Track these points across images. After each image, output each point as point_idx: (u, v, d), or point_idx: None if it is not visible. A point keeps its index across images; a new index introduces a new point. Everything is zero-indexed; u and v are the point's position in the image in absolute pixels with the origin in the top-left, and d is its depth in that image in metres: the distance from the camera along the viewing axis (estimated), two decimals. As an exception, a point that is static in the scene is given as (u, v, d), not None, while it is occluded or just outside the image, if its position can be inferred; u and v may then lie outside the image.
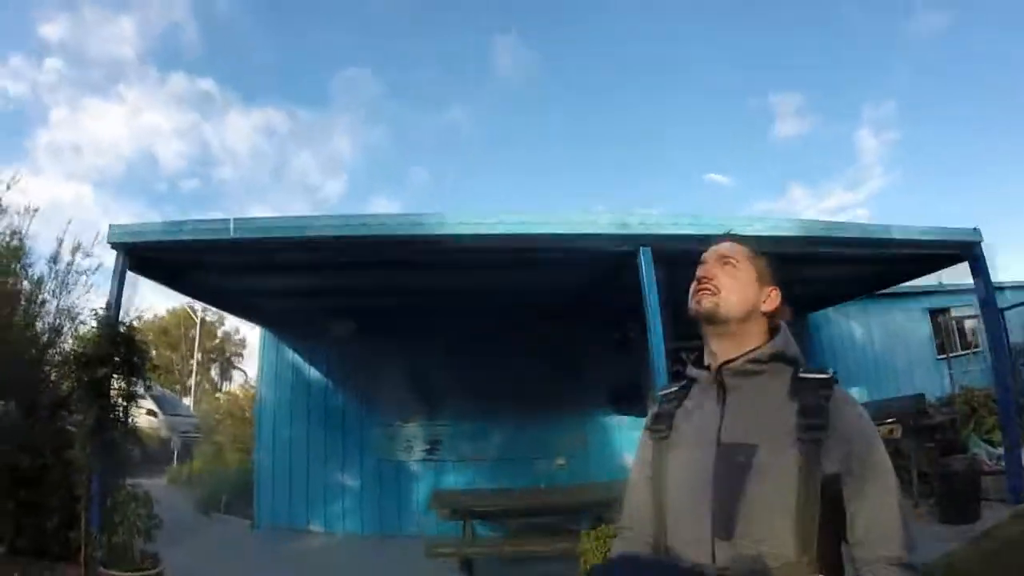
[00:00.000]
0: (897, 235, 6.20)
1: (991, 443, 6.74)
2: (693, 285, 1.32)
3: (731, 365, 1.25)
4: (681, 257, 5.15)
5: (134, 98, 56.08)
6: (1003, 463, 6.25)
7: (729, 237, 1.39)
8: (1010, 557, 4.59)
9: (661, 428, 1.34)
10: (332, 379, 8.14)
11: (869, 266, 7.69)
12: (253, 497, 8.10)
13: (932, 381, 11.13)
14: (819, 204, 65.64)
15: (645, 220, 4.96)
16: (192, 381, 31.62)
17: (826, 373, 1.22)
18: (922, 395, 8.78)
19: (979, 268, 6.72)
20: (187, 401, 25.00)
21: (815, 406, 1.15)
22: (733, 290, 1.28)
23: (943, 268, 7.94)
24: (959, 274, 8.26)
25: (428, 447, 8.04)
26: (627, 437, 8.22)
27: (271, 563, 6.24)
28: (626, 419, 8.38)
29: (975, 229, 6.71)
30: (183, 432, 14.47)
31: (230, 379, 33.90)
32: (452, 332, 8.00)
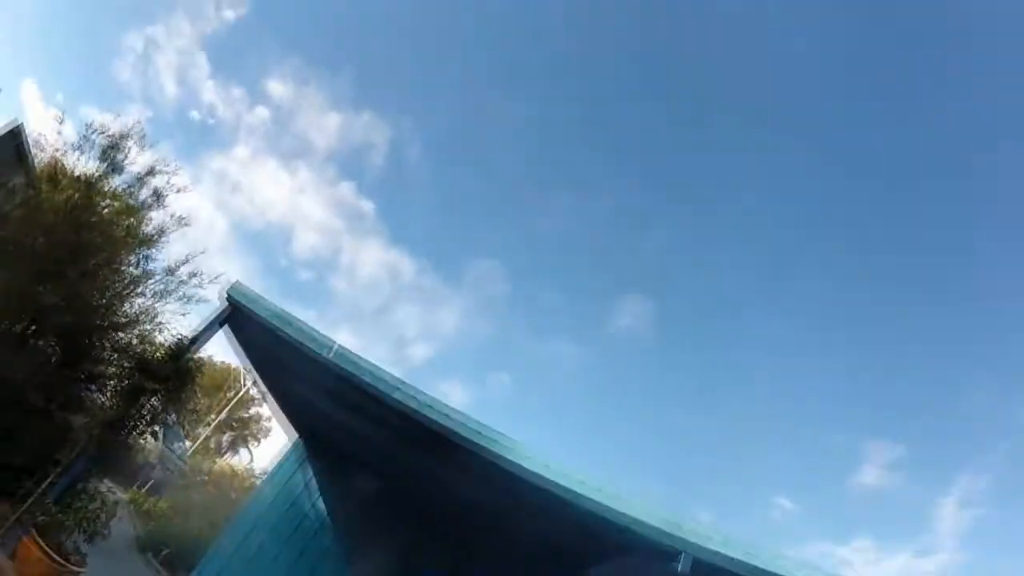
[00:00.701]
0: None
1: None
2: None
3: None
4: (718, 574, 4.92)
5: (304, 180, 62.71)
6: None
7: None
8: None
9: None
10: (330, 519, 8.01)
11: None
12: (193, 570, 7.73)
13: None
14: (882, 560, 58.62)
15: (699, 530, 4.83)
16: (202, 433, 31.54)
17: None
18: None
19: None
20: (187, 445, 24.84)
21: None
22: None
23: None
24: None
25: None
26: None
27: None
28: None
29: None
30: (167, 468, 14.42)
31: (236, 452, 33.47)
32: (462, 556, 7.75)
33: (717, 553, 4.91)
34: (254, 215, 60.85)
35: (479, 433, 4.72)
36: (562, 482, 4.69)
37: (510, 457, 4.67)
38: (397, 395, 4.78)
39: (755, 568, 4.99)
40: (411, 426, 5.03)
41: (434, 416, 4.75)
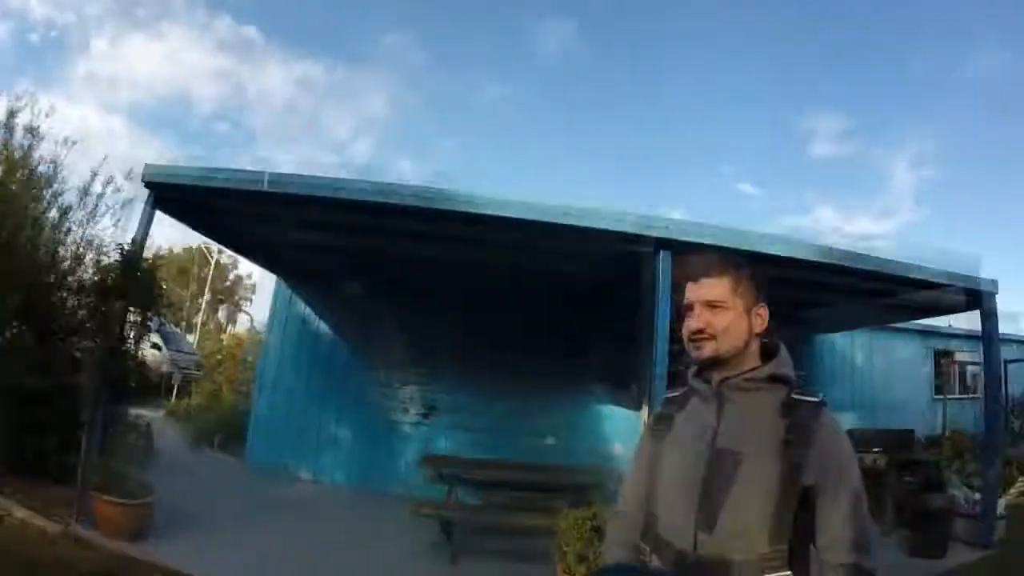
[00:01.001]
0: (914, 275, 6.21)
1: (970, 487, 6.86)
2: (687, 333, 1.44)
3: (730, 382, 1.40)
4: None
5: (177, 37, 56.13)
6: (978, 507, 6.39)
7: (706, 262, 1.48)
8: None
9: (661, 428, 1.51)
10: (338, 334, 8.36)
11: (882, 299, 7.76)
12: (246, 438, 8.37)
13: (925, 419, 11.22)
14: (844, 227, 65.38)
15: (669, 225, 5.02)
16: (199, 320, 32.02)
17: (817, 397, 1.36)
18: (911, 431, 8.88)
19: (989, 317, 6.85)
20: (191, 339, 25.35)
21: (803, 425, 1.30)
22: (728, 332, 1.40)
23: (955, 313, 8.01)
24: (969, 319, 8.35)
25: (423, 411, 8.25)
26: (616, 426, 8.52)
27: (258, 505, 6.37)
28: (617, 409, 8.62)
29: (993, 281, 6.77)
30: (184, 368, 14.71)
31: (235, 322, 34.34)
32: (462, 304, 8.22)
33: (691, 242, 5.14)
34: (145, 97, 54.81)
35: (431, 197, 4.75)
36: (532, 213, 4.82)
37: (473, 210, 4.72)
38: (341, 195, 4.69)
39: (731, 247, 5.22)
40: (368, 216, 5.02)
41: (390, 198, 4.74)
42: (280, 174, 4.78)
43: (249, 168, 5.02)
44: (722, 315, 1.40)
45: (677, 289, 1.51)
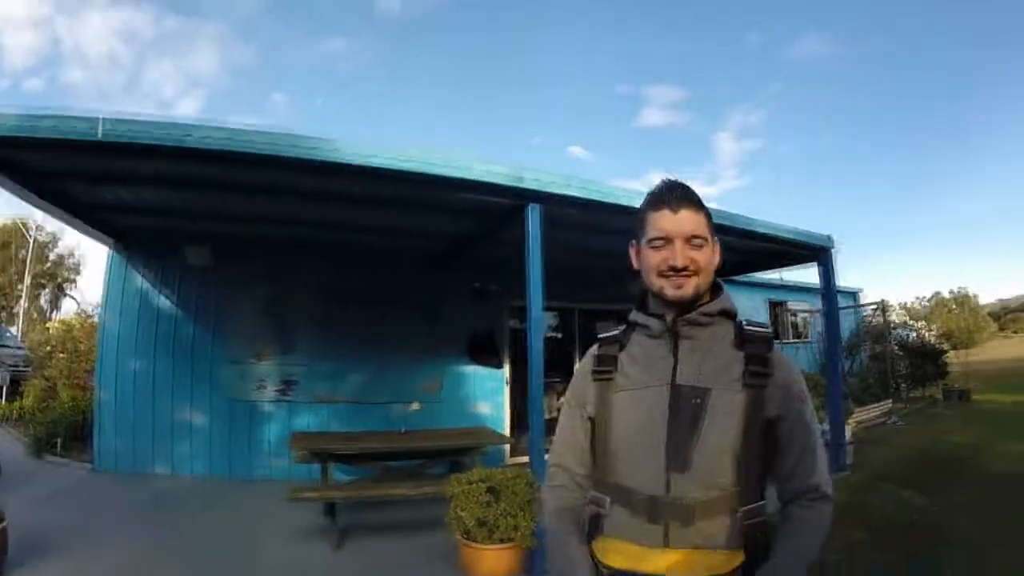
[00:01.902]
0: (760, 229, 6.66)
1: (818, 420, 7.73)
2: (662, 268, 1.33)
3: (687, 316, 1.33)
4: (562, 219, 5.31)
5: None
6: (828, 436, 7.10)
7: (685, 193, 1.37)
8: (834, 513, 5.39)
9: (607, 370, 1.39)
10: (184, 309, 7.54)
11: (727, 254, 8.27)
12: (92, 437, 7.40)
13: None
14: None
15: (540, 177, 4.91)
16: (20, 308, 28.24)
17: (767, 329, 1.36)
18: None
19: (827, 270, 7.67)
20: (14, 331, 22.29)
21: (761, 356, 1.30)
22: (706, 269, 1.34)
23: (795, 266, 8.78)
24: (796, 273, 9.28)
25: (281, 387, 7.69)
26: (480, 386, 8.65)
27: (115, 510, 5.72)
28: (480, 368, 8.68)
29: (829, 236, 7.50)
30: (11, 366, 13.02)
31: (59, 308, 30.62)
32: (316, 268, 7.79)
33: (561, 194, 5.11)
34: None
35: (291, 145, 4.26)
36: (398, 163, 4.48)
37: (338, 159, 4.31)
38: (190, 140, 4.05)
39: (598, 201, 5.33)
40: (220, 166, 4.47)
41: (242, 146, 4.16)
42: (118, 120, 4.02)
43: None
44: (702, 251, 1.33)
45: (639, 221, 1.40)
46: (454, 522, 4.16)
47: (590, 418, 1.41)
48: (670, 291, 1.32)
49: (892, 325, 15.69)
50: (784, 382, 1.30)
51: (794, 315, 15.63)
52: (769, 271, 10.25)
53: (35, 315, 29.14)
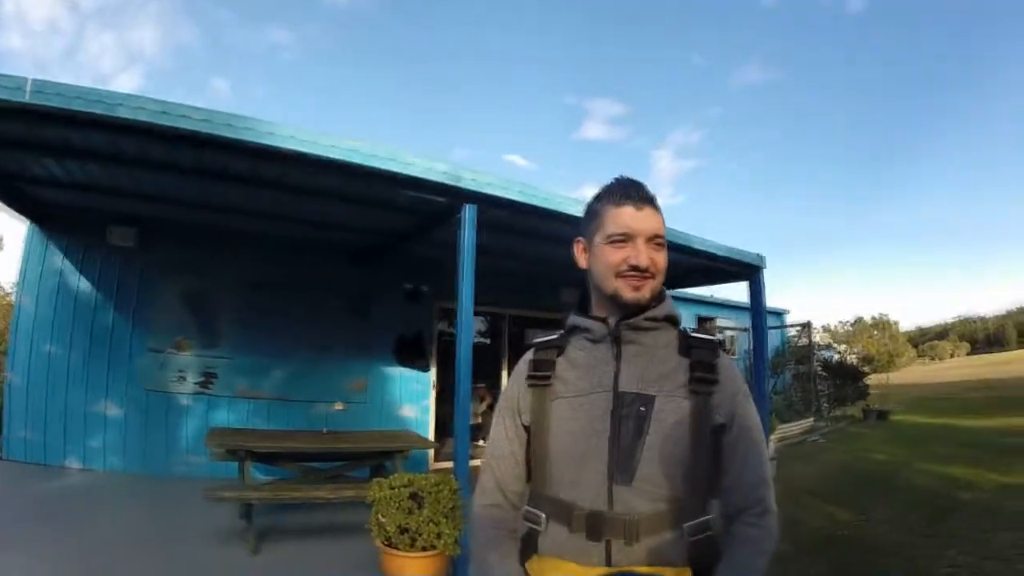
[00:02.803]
0: (696, 245, 6.79)
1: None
2: (621, 267, 1.25)
3: (631, 321, 1.26)
4: (497, 222, 5.28)
5: None
6: None
7: (645, 190, 1.30)
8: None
9: (544, 375, 1.31)
10: (104, 293, 7.15)
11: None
12: (1, 426, 6.91)
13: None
14: None
15: (477, 177, 4.88)
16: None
17: (713, 335, 1.31)
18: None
19: (757, 289, 7.86)
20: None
21: (707, 363, 1.24)
22: (663, 271, 1.29)
23: (725, 283, 9.04)
24: (724, 290, 9.54)
25: (202, 379, 7.40)
26: (406, 388, 8.56)
27: (20, 506, 5.34)
28: (406, 370, 8.61)
29: (760, 255, 7.70)
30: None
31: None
32: (244, 257, 7.58)
33: (499, 197, 5.09)
34: None
35: (226, 124, 4.07)
36: (337, 152, 4.35)
37: (273, 142, 4.16)
38: (121, 111, 3.82)
39: (535, 206, 5.32)
40: (151, 141, 4.24)
41: (176, 121, 3.93)
42: (46, 81, 3.76)
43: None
44: (662, 253, 1.28)
45: (595, 216, 1.32)
46: (375, 528, 4.03)
47: (525, 427, 1.33)
48: (628, 293, 1.25)
49: (816, 346, 16.40)
50: (732, 389, 1.25)
51: (722, 332, 16.13)
52: (699, 287, 10.51)
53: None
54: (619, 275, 1.25)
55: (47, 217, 7.01)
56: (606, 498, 1.17)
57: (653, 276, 1.26)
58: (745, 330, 14.13)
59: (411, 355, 8.61)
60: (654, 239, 1.27)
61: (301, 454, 5.66)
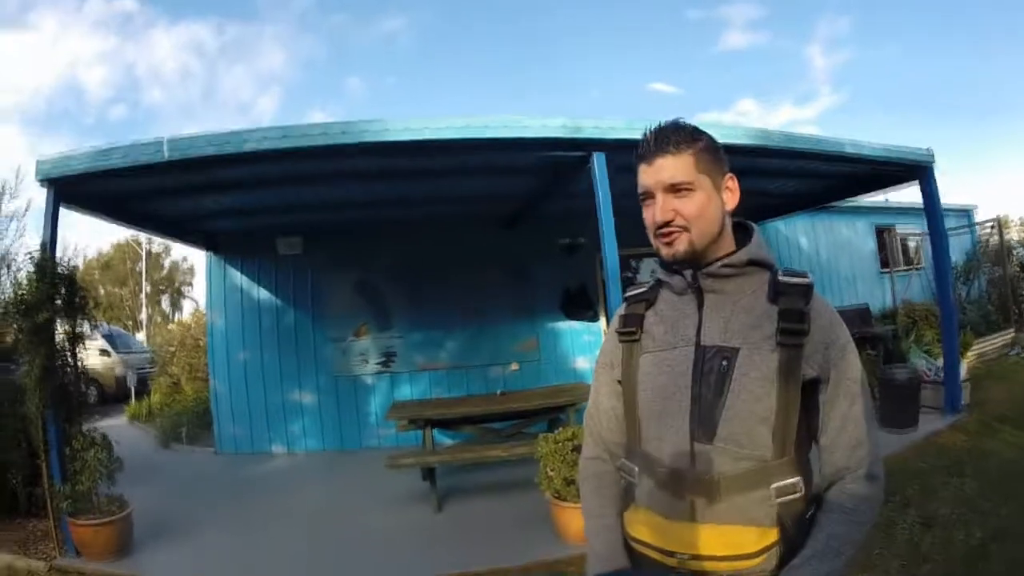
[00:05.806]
0: (849, 150, 6.14)
1: (929, 355, 7.03)
2: (651, 227, 1.21)
3: (708, 269, 1.20)
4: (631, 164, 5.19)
5: (50, 27, 51.83)
6: (942, 375, 6.54)
7: (658, 138, 1.21)
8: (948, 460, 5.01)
9: (631, 331, 1.29)
10: (281, 298, 8.01)
11: (820, 180, 7.76)
12: (213, 424, 8.08)
13: (875, 294, 11.59)
14: (768, 118, 66.89)
15: (599, 125, 4.78)
16: (143, 315, 30.93)
17: (805, 278, 1.17)
18: (866, 305, 9.11)
19: (929, 190, 6.82)
20: (140, 336, 24.42)
21: (796, 311, 1.13)
22: (701, 218, 1.17)
23: (893, 187, 8.06)
24: (905, 194, 8.47)
25: (382, 360, 8.05)
26: (577, 341, 8.59)
27: (233, 490, 6.20)
28: (575, 323, 8.66)
29: (928, 150, 6.75)
30: (139, 368, 14.12)
31: (181, 309, 33.32)
32: (398, 242, 8.01)
33: (627, 139, 4.93)
34: (32, 99, 50.73)
35: (341, 132, 4.39)
36: (450, 132, 4.52)
37: (387, 138, 4.42)
38: (247, 146, 4.30)
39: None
40: (281, 164, 4.69)
41: (299, 140, 4.35)
42: (178, 138, 4.34)
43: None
44: (690, 199, 1.16)
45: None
46: (544, 482, 4.19)
47: (618, 381, 1.31)
48: (663, 251, 1.20)
49: (1012, 244, 14.20)
50: (823, 338, 1.13)
51: (904, 240, 14.48)
52: (869, 194, 9.48)
53: (159, 319, 31.77)
54: (656, 235, 1.21)
55: (218, 244, 7.96)
56: (688, 456, 1.14)
57: (685, 228, 1.17)
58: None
59: (578, 308, 8.69)
60: (675, 188, 1.17)
61: (472, 417, 5.98)
